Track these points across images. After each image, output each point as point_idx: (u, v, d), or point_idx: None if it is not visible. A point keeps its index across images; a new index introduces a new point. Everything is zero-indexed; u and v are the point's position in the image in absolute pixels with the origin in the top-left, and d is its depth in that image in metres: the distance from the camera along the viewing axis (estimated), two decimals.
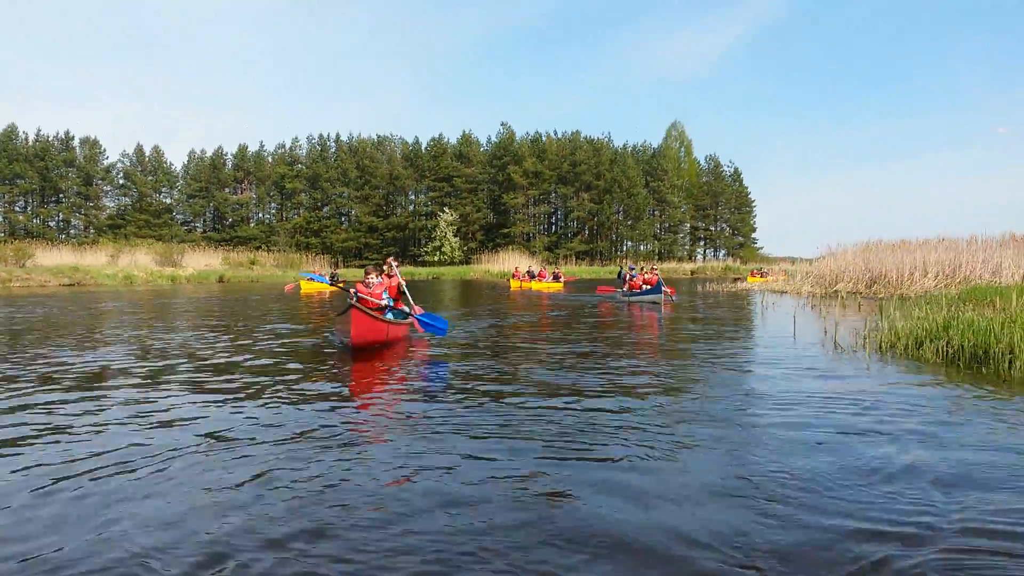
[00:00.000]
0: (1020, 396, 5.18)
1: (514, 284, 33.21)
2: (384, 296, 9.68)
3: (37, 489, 3.27)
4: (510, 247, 69.77)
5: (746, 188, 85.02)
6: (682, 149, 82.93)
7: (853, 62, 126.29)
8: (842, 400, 5.08)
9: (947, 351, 6.43)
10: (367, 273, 9.71)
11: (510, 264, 56.83)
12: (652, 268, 21.91)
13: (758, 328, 11.70)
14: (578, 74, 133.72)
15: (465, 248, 73.01)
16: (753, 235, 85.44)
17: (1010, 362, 6.05)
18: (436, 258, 70.43)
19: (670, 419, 4.55)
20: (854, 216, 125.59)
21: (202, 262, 49.67)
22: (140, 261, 44.48)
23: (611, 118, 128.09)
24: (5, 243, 43.98)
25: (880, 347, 7.56)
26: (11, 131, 72.09)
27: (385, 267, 10.64)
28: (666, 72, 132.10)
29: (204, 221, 79.09)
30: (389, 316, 9.30)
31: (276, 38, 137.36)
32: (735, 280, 40.88)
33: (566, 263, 69.59)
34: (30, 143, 72.51)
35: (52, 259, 42.27)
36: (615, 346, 9.00)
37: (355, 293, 8.88)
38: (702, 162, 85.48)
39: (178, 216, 78.31)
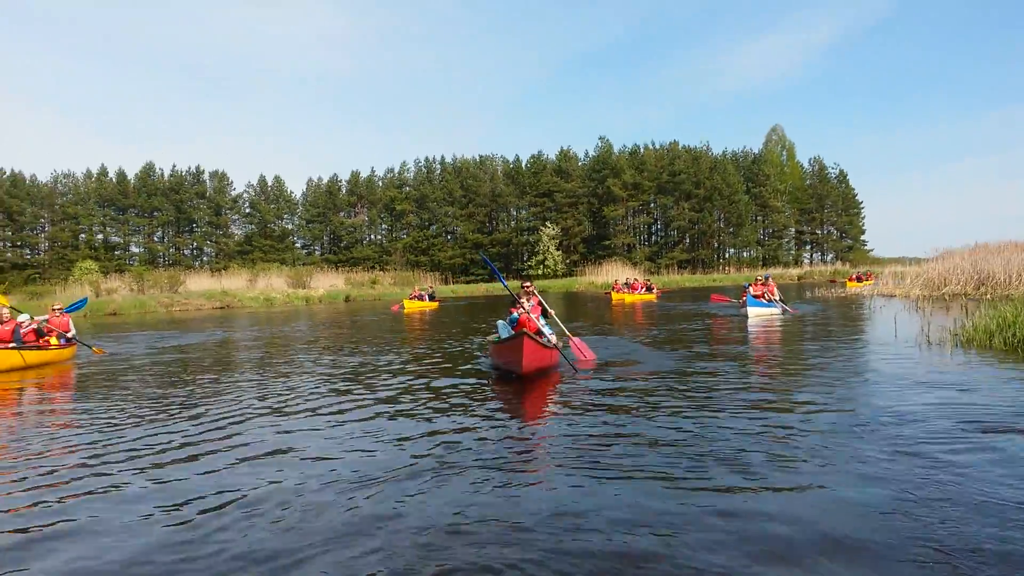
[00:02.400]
0: None
1: (615, 297, 33.97)
2: (540, 320, 9.75)
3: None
4: (612, 258, 71.15)
5: (852, 189, 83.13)
6: (784, 152, 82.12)
7: (962, 50, 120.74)
8: (924, 384, 6.77)
9: (1013, 341, 7.94)
10: (519, 296, 9.79)
11: (612, 275, 58.22)
12: (764, 278, 21.09)
13: (867, 329, 13.24)
14: (669, 85, 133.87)
15: (568, 261, 74.93)
16: (862, 237, 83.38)
17: None
18: (540, 272, 72.62)
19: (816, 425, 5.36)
20: (970, 211, 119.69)
21: (327, 283, 53.82)
22: (275, 284, 48.84)
23: (707, 126, 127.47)
24: (159, 271, 49.29)
25: (961, 341, 9.05)
26: (149, 168, 79.52)
27: (529, 288, 10.50)
28: (757, 75, 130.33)
29: (322, 244, 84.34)
30: (547, 340, 9.25)
31: (380, 68, 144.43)
32: (832, 283, 40.91)
33: (668, 273, 70.41)
34: (166, 179, 79.59)
35: (196, 284, 47.18)
36: (736, 360, 9.34)
37: (514, 319, 9.24)
38: (805, 165, 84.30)
39: (298, 240, 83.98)
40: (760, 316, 17.90)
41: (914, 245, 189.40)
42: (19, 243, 74.88)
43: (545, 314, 10.30)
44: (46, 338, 13.47)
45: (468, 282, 73.27)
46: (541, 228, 75.18)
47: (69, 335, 14.12)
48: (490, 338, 10.40)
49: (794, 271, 68.96)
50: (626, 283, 36.26)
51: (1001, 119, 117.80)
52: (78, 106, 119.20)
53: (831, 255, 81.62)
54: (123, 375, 10.55)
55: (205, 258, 79.79)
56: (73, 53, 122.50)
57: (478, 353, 11.49)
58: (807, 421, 5.44)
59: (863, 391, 6.66)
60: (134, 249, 78.41)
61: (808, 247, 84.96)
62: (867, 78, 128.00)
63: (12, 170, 75.11)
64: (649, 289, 35.43)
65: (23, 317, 13.31)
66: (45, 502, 4.19)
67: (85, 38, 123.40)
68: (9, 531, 3.71)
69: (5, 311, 12.65)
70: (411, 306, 31.93)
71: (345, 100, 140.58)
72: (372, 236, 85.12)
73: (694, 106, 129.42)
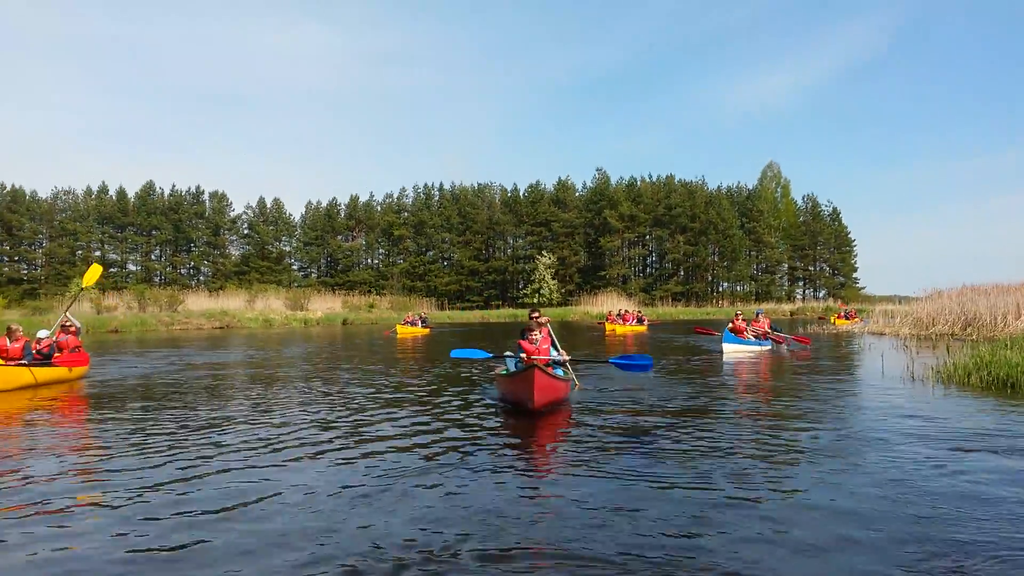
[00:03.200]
0: None
1: (608, 327, 34.15)
2: (552, 350, 9.49)
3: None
4: (608, 289, 71.89)
5: (845, 227, 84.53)
6: (779, 189, 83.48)
7: (953, 92, 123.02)
8: (905, 413, 7.34)
9: (988, 379, 8.55)
10: (529, 330, 9.41)
11: (607, 306, 58.82)
12: (756, 314, 20.95)
13: (857, 365, 13.96)
14: (667, 114, 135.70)
15: (563, 290, 75.64)
16: (854, 274, 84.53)
17: None
18: (535, 300, 73.21)
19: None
20: (965, 251, 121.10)
21: (325, 305, 54.26)
22: (273, 305, 49.25)
23: (703, 157, 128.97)
24: (158, 290, 49.71)
25: (943, 378, 9.65)
26: (149, 187, 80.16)
27: (539, 318, 10.14)
28: (753, 109, 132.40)
29: (319, 267, 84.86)
30: (559, 372, 9.18)
31: (380, 92, 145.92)
32: (821, 319, 41.45)
33: (662, 304, 71.14)
34: (165, 198, 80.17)
35: (195, 304, 47.53)
36: (735, 392, 9.82)
37: (522, 354, 8.94)
38: (799, 202, 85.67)
39: (295, 263, 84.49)
40: (735, 352, 17.62)
41: (907, 282, 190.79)
42: (16, 258, 75.23)
43: (555, 347, 9.82)
44: (59, 355, 12.88)
45: (464, 308, 73.87)
46: (537, 257, 75.95)
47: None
48: (498, 371, 10.08)
49: (786, 306, 69.80)
50: (619, 314, 36.67)
51: (992, 162, 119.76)
52: (80, 123, 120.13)
53: (823, 291, 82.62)
54: (135, 394, 10.59)
55: (202, 278, 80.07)
56: (76, 71, 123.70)
57: (484, 384, 11.26)
58: (796, 442, 6.06)
59: (847, 416, 7.35)
60: (131, 267, 78.76)
61: (801, 283, 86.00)
62: (862, 115, 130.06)
63: (12, 185, 75.68)
64: (640, 321, 35.95)
65: (43, 333, 13.07)
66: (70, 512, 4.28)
67: (87, 56, 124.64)
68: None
69: (14, 326, 12.45)
70: (404, 331, 32.29)
71: (345, 124, 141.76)
72: (369, 260, 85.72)
73: (690, 137, 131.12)
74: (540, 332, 9.38)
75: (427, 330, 35.35)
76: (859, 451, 5.67)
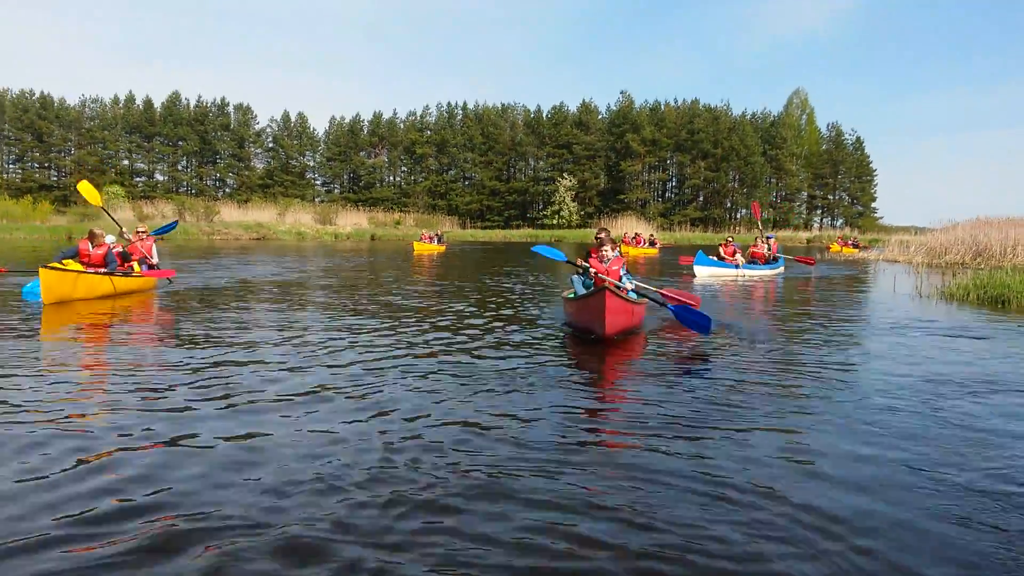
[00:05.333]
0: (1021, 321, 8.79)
1: (624, 249, 34.77)
2: (622, 271, 8.41)
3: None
4: (627, 212, 72.69)
5: (867, 156, 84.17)
6: (804, 117, 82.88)
7: (984, 18, 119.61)
8: (913, 326, 8.82)
9: (984, 297, 10.07)
10: (599, 246, 8.48)
11: (625, 229, 59.68)
12: (766, 238, 20.81)
13: (871, 285, 15.97)
14: (694, 36, 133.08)
15: (582, 213, 76.52)
16: (873, 204, 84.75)
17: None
18: (555, 221, 74.28)
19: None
20: (985, 183, 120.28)
21: (351, 221, 55.68)
22: (302, 219, 50.75)
23: (730, 82, 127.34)
24: (194, 199, 51.26)
25: (945, 296, 11.18)
26: (175, 98, 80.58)
27: (604, 237, 8.77)
28: (782, 32, 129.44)
29: (342, 183, 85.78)
30: (633, 295, 8.32)
31: (405, 6, 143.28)
32: (826, 249, 41.99)
33: (680, 229, 72.09)
34: (191, 109, 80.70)
35: (228, 215, 49.05)
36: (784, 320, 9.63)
37: (589, 270, 8.34)
38: (823, 130, 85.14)
39: (318, 178, 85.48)
40: (712, 276, 16.91)
41: (925, 214, 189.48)
42: (47, 164, 76.59)
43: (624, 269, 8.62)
44: (129, 263, 12.48)
45: (484, 227, 75.10)
46: (558, 179, 76.48)
47: (153, 261, 13.34)
48: (565, 293, 9.16)
49: (803, 234, 70.53)
50: (633, 237, 37.08)
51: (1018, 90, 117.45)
52: (106, 30, 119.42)
53: (841, 220, 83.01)
54: (210, 304, 10.44)
55: (227, 189, 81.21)
56: None
57: (544, 305, 10.71)
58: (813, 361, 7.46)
59: (862, 330, 8.81)
60: (158, 177, 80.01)
61: (819, 211, 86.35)
62: (893, 41, 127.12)
63: (42, 92, 76.24)
64: (652, 244, 37.15)
65: (109, 238, 12.12)
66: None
67: None
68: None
69: (98, 231, 11.62)
70: (420, 248, 32.50)
71: (369, 42, 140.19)
72: (391, 177, 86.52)
73: (717, 61, 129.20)
74: (612, 248, 8.49)
75: (443, 247, 35.38)
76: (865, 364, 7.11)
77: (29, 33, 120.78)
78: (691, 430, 4.12)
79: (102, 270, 11.12)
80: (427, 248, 32.71)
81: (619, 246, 9.78)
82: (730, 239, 20.28)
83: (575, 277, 8.82)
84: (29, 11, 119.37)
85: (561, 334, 7.98)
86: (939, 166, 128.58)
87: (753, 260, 19.72)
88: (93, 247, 11.33)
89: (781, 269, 20.18)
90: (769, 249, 20.29)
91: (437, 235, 36.99)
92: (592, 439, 3.99)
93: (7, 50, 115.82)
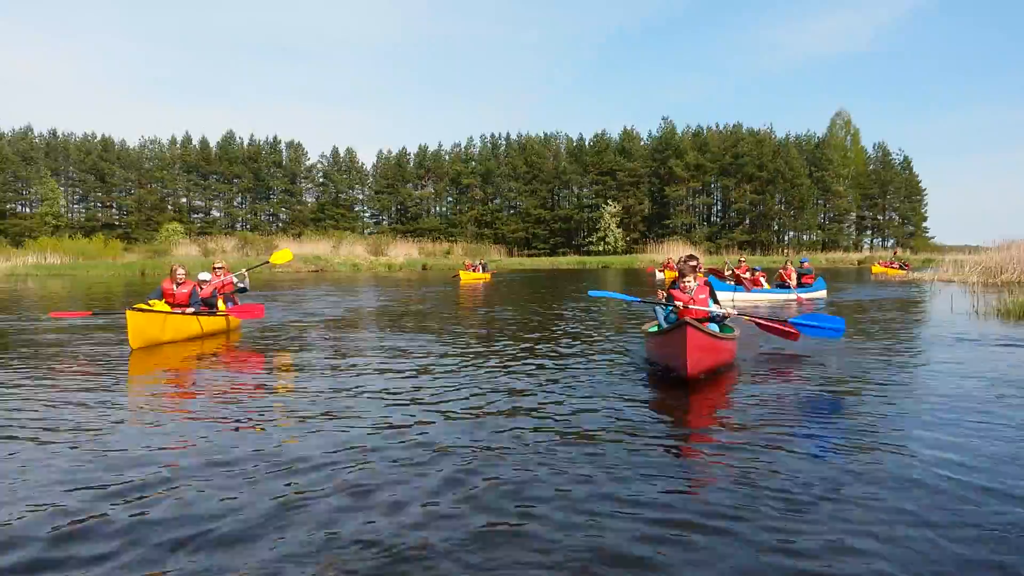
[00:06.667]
0: None
1: (668, 275, 34.63)
2: (710, 302, 7.65)
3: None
4: (672, 237, 72.85)
5: (916, 176, 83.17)
6: (848, 138, 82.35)
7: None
8: (969, 341, 9.23)
9: None
10: (682, 274, 7.72)
11: (672, 254, 59.79)
12: (800, 262, 20.01)
13: (925, 304, 16.23)
14: (733, 57, 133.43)
15: (627, 238, 76.89)
16: (924, 224, 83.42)
17: None
18: (600, 248, 74.78)
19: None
20: None
21: (402, 251, 57.10)
22: (356, 251, 52.27)
23: (772, 104, 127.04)
24: (256, 235, 53.36)
25: (1002, 313, 11.51)
26: (229, 137, 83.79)
27: (691, 263, 7.95)
28: (822, 51, 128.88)
29: (390, 214, 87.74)
30: (714, 327, 7.44)
31: (443, 46, 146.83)
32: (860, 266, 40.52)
33: (727, 253, 71.83)
34: (245, 147, 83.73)
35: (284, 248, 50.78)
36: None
37: (671, 302, 7.62)
38: (870, 150, 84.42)
39: (367, 210, 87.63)
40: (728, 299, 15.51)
41: (979, 232, 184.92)
42: (109, 203, 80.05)
43: (714, 298, 7.83)
44: (214, 302, 11.82)
45: (531, 255, 75.96)
46: (603, 206, 77.06)
47: (237, 298, 13.05)
48: (646, 327, 8.62)
49: (854, 255, 69.65)
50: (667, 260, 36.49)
51: None
52: (161, 75, 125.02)
53: (892, 241, 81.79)
54: (297, 342, 10.32)
55: (280, 224, 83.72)
56: (156, 29, 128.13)
57: (627, 340, 9.99)
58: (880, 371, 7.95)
59: (922, 346, 9.23)
60: (215, 213, 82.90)
61: (869, 232, 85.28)
62: (936, 56, 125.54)
63: (103, 135, 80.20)
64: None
65: (204, 275, 11.83)
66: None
67: (164, 15, 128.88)
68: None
69: (180, 271, 11.02)
70: (467, 277, 32.26)
71: (411, 75, 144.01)
72: (438, 208, 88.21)
73: (757, 81, 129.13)
74: (695, 279, 7.71)
75: (488, 275, 35.44)
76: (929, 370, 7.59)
77: (90, 80, 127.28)
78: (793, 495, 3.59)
79: (188, 310, 10.63)
80: (472, 277, 32.91)
81: (701, 275, 8.14)
82: (741, 260, 20.09)
83: (658, 308, 8.07)
84: (90, 62, 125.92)
85: (641, 373, 7.26)
86: (993, 182, 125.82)
87: (782, 283, 19.15)
88: (177, 286, 10.84)
89: (817, 294, 19.02)
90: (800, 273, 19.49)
91: (482, 264, 37.58)
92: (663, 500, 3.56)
93: (70, 98, 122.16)
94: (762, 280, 19.40)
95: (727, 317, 7.82)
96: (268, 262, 15.13)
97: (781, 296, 18.31)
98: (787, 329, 8.27)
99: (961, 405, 5.54)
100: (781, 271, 19.53)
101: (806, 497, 3.51)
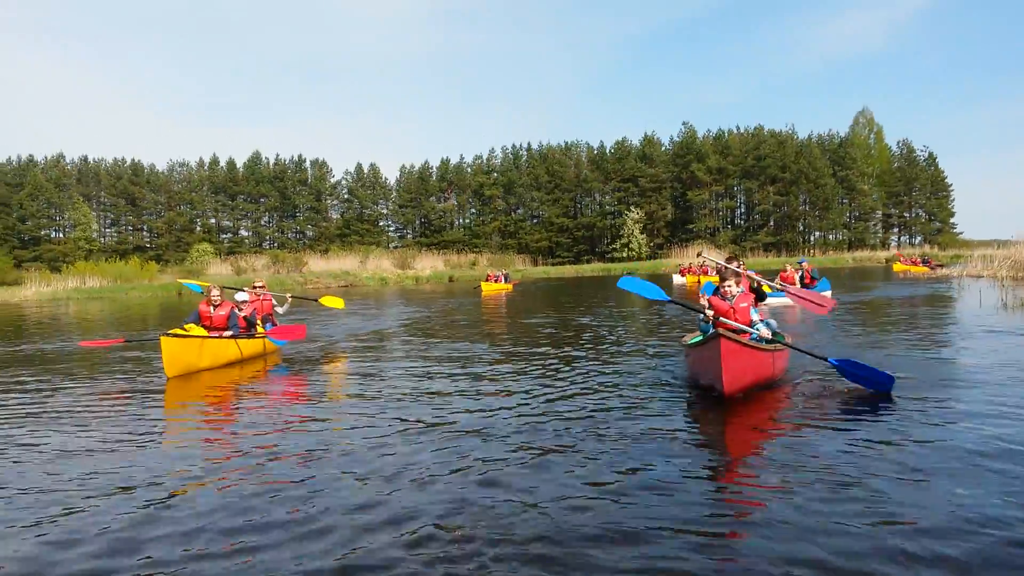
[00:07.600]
0: None
1: (689, 279, 34.83)
2: (752, 311, 7.00)
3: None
4: (696, 242, 72.81)
5: (942, 172, 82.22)
6: (872, 136, 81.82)
7: None
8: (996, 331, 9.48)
9: None
10: (723, 280, 7.01)
11: (696, 259, 59.82)
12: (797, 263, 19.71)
13: (949, 299, 16.30)
14: (752, 59, 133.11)
15: (651, 244, 76.96)
16: (951, 220, 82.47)
17: None
18: (624, 255, 74.92)
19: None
20: None
21: (428, 264, 57.79)
22: (383, 265, 53.03)
23: (793, 104, 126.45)
24: (287, 253, 54.57)
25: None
26: (256, 157, 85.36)
27: (733, 264, 7.77)
28: (842, 50, 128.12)
29: (414, 228, 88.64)
30: (762, 339, 6.76)
31: (460, 58, 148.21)
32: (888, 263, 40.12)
33: (753, 255, 71.64)
34: (271, 167, 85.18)
35: (314, 265, 51.77)
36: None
37: (710, 314, 6.87)
38: (894, 148, 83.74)
39: (391, 224, 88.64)
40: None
41: (1009, 227, 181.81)
42: (140, 226, 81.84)
43: (760, 297, 7.42)
44: (253, 324, 11.45)
45: (555, 263, 76.33)
46: (626, 212, 77.22)
47: (276, 320, 12.62)
48: (685, 339, 8.09)
49: (882, 254, 69.07)
50: (699, 266, 36.33)
51: None
52: (190, 100, 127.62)
53: (919, 238, 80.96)
54: (337, 366, 10.15)
55: (306, 241, 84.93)
56: (179, 52, 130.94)
57: (663, 352, 9.59)
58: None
59: (953, 337, 9.44)
60: (243, 232, 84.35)
61: (896, 230, 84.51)
62: (955, 51, 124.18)
63: (132, 159, 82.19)
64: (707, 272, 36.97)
65: (241, 296, 11.44)
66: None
67: (187, 37, 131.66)
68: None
69: (216, 292, 10.66)
70: (488, 288, 32.61)
71: (431, 89, 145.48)
72: (461, 220, 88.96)
73: (777, 82, 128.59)
74: (738, 284, 7.08)
75: (510, 286, 35.82)
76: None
77: (119, 106, 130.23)
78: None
79: (226, 334, 10.24)
80: (495, 288, 33.15)
81: (745, 279, 7.74)
82: (742, 262, 19.79)
83: (700, 318, 7.38)
84: (117, 86, 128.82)
85: (678, 390, 6.74)
86: (1022, 176, 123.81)
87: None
88: (214, 308, 10.49)
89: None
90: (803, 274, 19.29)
91: (504, 274, 37.93)
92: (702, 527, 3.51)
93: (99, 125, 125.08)
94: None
95: (763, 338, 6.81)
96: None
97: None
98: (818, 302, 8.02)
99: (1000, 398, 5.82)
100: (781, 275, 19.18)
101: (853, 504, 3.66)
